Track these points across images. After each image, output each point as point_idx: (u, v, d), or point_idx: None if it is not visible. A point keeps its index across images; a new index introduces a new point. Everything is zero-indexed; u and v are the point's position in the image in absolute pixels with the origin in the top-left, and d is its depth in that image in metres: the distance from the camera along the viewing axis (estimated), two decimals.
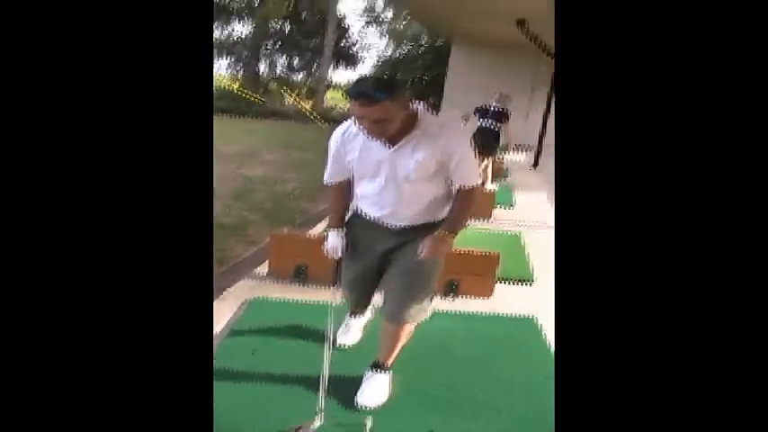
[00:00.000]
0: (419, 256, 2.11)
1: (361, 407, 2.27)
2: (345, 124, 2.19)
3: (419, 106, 2.08)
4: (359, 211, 2.33)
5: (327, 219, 2.53)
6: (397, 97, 1.91)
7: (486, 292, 3.60)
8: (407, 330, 2.32)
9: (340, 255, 2.32)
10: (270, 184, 7.77)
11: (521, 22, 10.07)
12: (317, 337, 2.81)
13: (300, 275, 3.66)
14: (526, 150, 11.06)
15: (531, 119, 12.99)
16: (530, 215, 6.44)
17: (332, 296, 2.42)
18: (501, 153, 7.30)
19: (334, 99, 25.45)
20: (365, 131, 2.00)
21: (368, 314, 2.84)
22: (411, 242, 2.20)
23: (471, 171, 2.14)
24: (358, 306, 2.63)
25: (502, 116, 7.18)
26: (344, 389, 2.35)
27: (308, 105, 20.07)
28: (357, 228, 2.34)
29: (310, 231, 5.08)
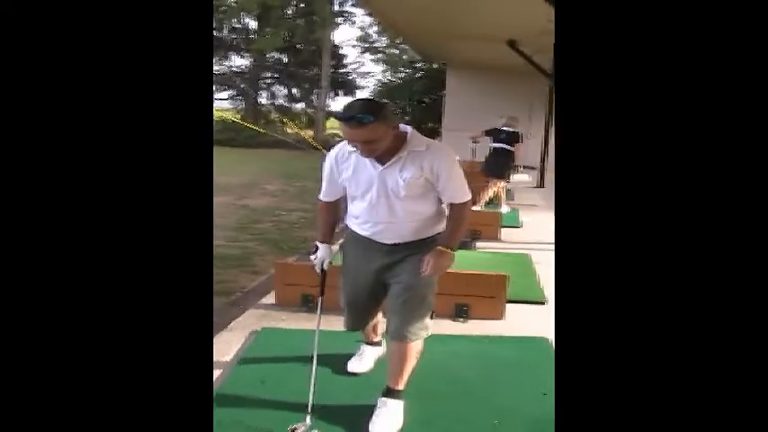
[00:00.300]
0: (423, 273, 2.18)
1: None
2: (339, 146, 2.29)
3: (408, 128, 2.20)
4: (352, 232, 2.39)
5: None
6: (383, 118, 2.03)
7: (498, 313, 3.55)
8: (413, 350, 2.33)
9: (326, 267, 2.45)
10: (273, 213, 7.76)
11: (511, 43, 10.20)
12: (328, 364, 2.76)
13: (308, 304, 3.62)
14: (530, 170, 11.07)
15: (532, 138, 13.02)
16: (537, 235, 6.40)
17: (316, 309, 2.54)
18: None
19: (333, 127, 25.62)
20: (358, 151, 2.11)
21: (383, 346, 2.80)
22: (403, 260, 2.28)
23: (458, 189, 2.24)
24: (356, 326, 2.60)
25: (513, 137, 7.28)
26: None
27: (308, 134, 20.19)
28: (350, 248, 2.41)
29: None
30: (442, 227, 2.32)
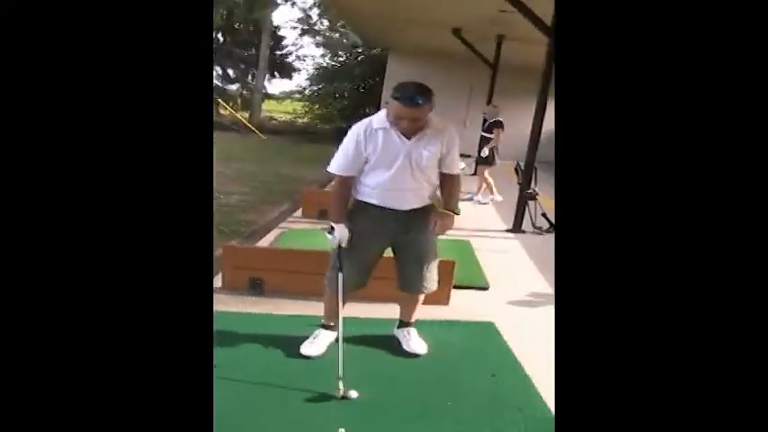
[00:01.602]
0: (434, 232, 2.64)
1: (414, 353, 2.82)
2: (365, 122, 2.57)
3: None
4: (362, 203, 2.65)
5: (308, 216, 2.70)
6: (430, 101, 2.44)
7: (444, 299, 3.62)
8: (422, 296, 2.85)
9: (344, 244, 2.60)
10: (213, 196, 7.61)
11: (456, 31, 10.32)
12: (279, 347, 2.79)
13: (256, 288, 3.59)
14: (465, 158, 11.24)
15: (469, 126, 13.23)
16: (475, 222, 6.54)
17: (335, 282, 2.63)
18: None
19: (270, 110, 25.24)
20: (401, 127, 2.47)
21: (336, 332, 2.83)
22: (415, 225, 2.65)
23: (456, 162, 2.69)
24: (358, 287, 2.76)
25: (492, 125, 7.75)
26: None
27: (243, 116, 19.82)
28: (362, 218, 2.65)
29: (259, 244, 5.01)
30: (436, 196, 2.71)
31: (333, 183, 2.72)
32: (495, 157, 7.73)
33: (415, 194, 2.62)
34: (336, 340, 2.72)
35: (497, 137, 7.64)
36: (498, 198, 7.85)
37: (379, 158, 2.54)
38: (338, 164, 2.59)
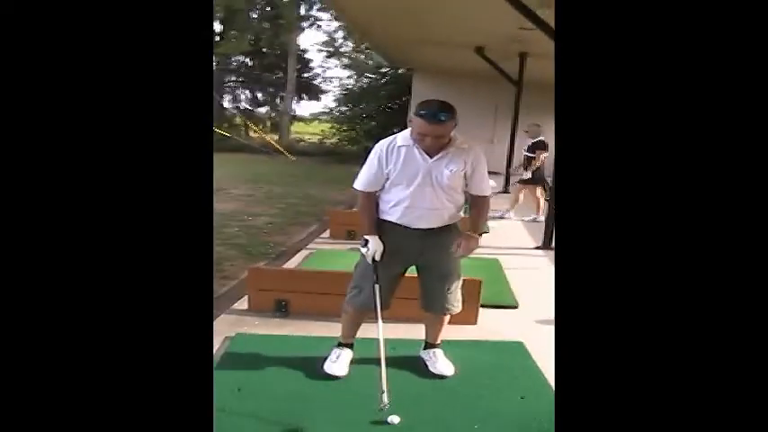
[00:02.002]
0: (458, 253, 2.59)
1: (441, 375, 2.76)
2: (388, 139, 2.60)
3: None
4: (385, 220, 2.65)
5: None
6: (454, 117, 2.44)
7: (472, 318, 3.57)
8: (447, 317, 2.81)
9: (377, 257, 2.59)
10: (240, 218, 7.67)
11: (479, 50, 10.33)
12: (304, 369, 2.76)
13: (282, 309, 3.58)
14: (495, 176, 11.16)
15: (497, 144, 13.17)
16: (505, 240, 6.46)
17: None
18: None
19: (298, 132, 25.50)
20: (424, 144, 2.46)
21: (352, 349, 2.87)
22: (438, 244, 2.63)
23: (485, 183, 2.65)
24: (384, 306, 2.69)
25: (535, 145, 7.65)
26: None
27: (273, 138, 20.04)
28: (382, 237, 2.63)
29: (286, 265, 5.01)
30: (458, 216, 2.69)
31: (359, 199, 2.71)
32: (542, 175, 7.64)
33: (435, 214, 2.60)
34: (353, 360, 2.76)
35: (538, 158, 7.54)
36: (541, 219, 7.70)
37: (399, 175, 2.55)
38: (361, 180, 2.63)
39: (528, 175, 7.62)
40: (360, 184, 2.63)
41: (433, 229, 2.61)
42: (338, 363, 2.78)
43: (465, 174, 2.56)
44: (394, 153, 2.54)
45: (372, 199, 2.66)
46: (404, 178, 2.54)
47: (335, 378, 2.71)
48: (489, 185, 2.69)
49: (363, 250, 2.61)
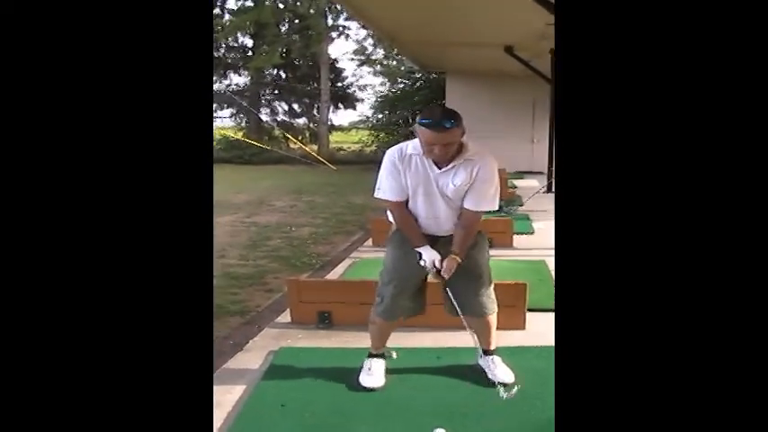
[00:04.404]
0: (443, 276, 2.49)
1: (500, 383, 2.56)
2: (398, 147, 2.53)
3: (464, 137, 2.43)
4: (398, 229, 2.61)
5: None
6: (460, 124, 2.33)
7: (519, 323, 3.48)
8: (493, 319, 2.73)
9: (438, 264, 2.50)
10: (284, 230, 7.72)
11: (509, 49, 10.21)
12: (347, 382, 2.72)
13: (325, 321, 3.55)
14: (538, 176, 11.01)
15: (537, 143, 12.98)
16: (550, 241, 6.29)
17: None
18: None
19: (338, 141, 25.64)
20: (433, 155, 2.37)
21: (384, 359, 2.82)
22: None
23: (483, 198, 2.49)
24: (414, 313, 2.72)
25: None
26: None
27: (312, 149, 20.18)
28: (404, 243, 2.59)
29: (329, 276, 4.99)
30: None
31: (390, 211, 2.63)
32: None
33: (451, 222, 2.56)
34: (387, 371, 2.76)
35: None
36: None
37: (412, 184, 2.49)
38: (387, 189, 2.53)
39: None
40: (387, 193, 2.54)
41: (448, 236, 2.56)
42: (372, 374, 2.72)
43: (469, 184, 2.47)
44: (405, 161, 2.47)
45: (405, 207, 2.56)
46: (417, 188, 2.49)
47: (372, 390, 2.66)
48: (490, 202, 2.52)
49: (421, 263, 2.52)
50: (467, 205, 2.50)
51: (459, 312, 2.55)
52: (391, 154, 2.51)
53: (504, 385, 2.57)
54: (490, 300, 2.70)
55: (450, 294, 2.55)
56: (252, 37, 23.06)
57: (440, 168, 2.44)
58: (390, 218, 2.66)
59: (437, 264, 2.49)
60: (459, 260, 2.49)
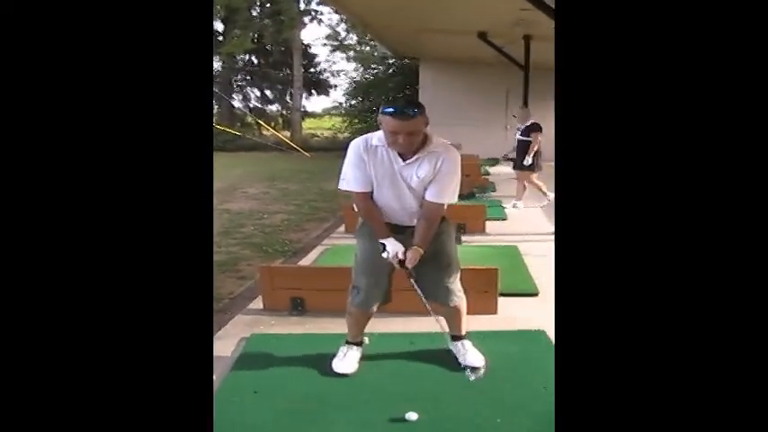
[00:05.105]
0: (407, 268, 2.48)
1: (470, 367, 2.61)
2: (363, 138, 2.53)
3: (428, 130, 2.43)
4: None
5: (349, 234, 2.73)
6: (423, 113, 2.34)
7: (491, 308, 3.50)
8: (462, 306, 2.76)
9: (402, 256, 2.49)
10: (256, 217, 7.65)
11: (482, 35, 10.22)
12: (321, 368, 2.72)
13: (297, 308, 3.54)
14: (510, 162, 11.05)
15: (510, 131, 13.05)
16: (522, 227, 6.38)
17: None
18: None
19: (311, 128, 25.48)
20: (397, 145, 2.36)
21: (361, 347, 2.84)
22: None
23: (445, 190, 2.49)
24: (381, 303, 2.71)
25: (529, 128, 7.42)
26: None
27: (285, 135, 20.02)
28: (370, 234, 2.58)
29: (302, 262, 4.97)
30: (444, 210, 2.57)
31: (355, 203, 2.62)
32: (539, 161, 7.45)
33: (410, 214, 2.56)
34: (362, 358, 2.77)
35: (536, 140, 7.30)
36: (551, 195, 7.56)
37: (377, 175, 2.49)
38: (351, 179, 2.52)
39: (529, 160, 7.31)
40: (352, 184, 2.52)
41: (412, 226, 2.55)
42: (345, 361, 2.73)
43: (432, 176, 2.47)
44: (370, 152, 2.46)
45: (369, 199, 2.55)
46: (382, 179, 2.49)
47: (344, 376, 2.66)
48: (451, 195, 2.52)
49: (384, 255, 2.50)
50: (428, 197, 2.49)
51: (424, 300, 2.55)
52: (356, 145, 2.50)
53: (473, 369, 2.60)
54: (457, 288, 2.72)
55: (415, 285, 2.54)
56: (223, 21, 22.66)
57: (404, 161, 2.44)
58: (357, 208, 2.65)
59: (400, 255, 2.48)
60: (422, 251, 2.48)
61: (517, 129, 7.64)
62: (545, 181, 7.48)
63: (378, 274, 2.62)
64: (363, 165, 2.47)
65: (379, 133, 2.44)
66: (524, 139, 7.40)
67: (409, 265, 2.48)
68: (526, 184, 7.67)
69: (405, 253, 2.48)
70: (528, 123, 7.44)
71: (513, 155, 7.82)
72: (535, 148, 7.28)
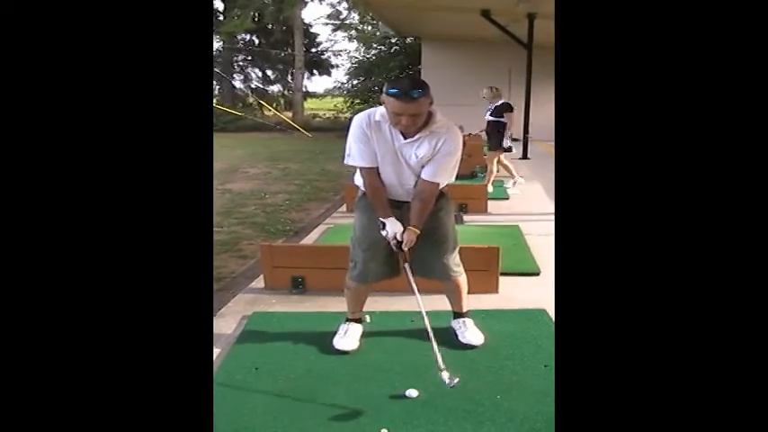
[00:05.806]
0: (403, 250, 2.48)
1: (469, 345, 2.71)
2: (366, 113, 2.48)
3: (433, 108, 2.40)
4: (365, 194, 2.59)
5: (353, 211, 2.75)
6: (428, 95, 2.29)
7: (492, 287, 3.50)
8: (462, 281, 2.76)
9: (400, 237, 2.46)
10: (258, 197, 7.65)
11: (485, 13, 10.10)
12: (321, 346, 2.73)
13: (298, 286, 3.54)
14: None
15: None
16: (524, 206, 6.36)
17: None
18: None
19: (312, 108, 25.38)
20: (400, 125, 2.33)
21: (361, 324, 2.84)
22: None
23: (442, 171, 2.46)
24: (387, 276, 2.69)
25: (501, 108, 7.20)
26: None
27: (287, 116, 19.95)
28: (366, 207, 2.59)
29: (303, 242, 4.97)
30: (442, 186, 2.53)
31: (361, 177, 2.57)
32: (508, 141, 7.25)
33: (409, 190, 2.53)
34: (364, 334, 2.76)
35: (510, 121, 7.13)
36: (521, 180, 7.51)
37: (380, 150, 2.46)
38: (356, 154, 2.48)
39: (508, 142, 7.14)
40: (357, 159, 2.48)
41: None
42: (346, 338, 2.74)
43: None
44: (373, 127, 2.43)
45: (376, 176, 2.51)
46: (383, 155, 2.46)
47: (346, 353, 2.67)
48: (448, 175, 2.50)
49: (383, 233, 2.48)
50: (424, 176, 2.46)
51: (410, 276, 2.51)
52: (359, 120, 2.46)
53: (450, 376, 2.26)
54: (455, 263, 2.70)
55: (408, 269, 2.52)
56: (222, 0, 22.47)
57: (405, 138, 2.41)
58: (357, 181, 2.63)
59: (399, 236, 2.45)
60: (418, 231, 2.46)
61: (487, 109, 7.35)
62: (544, 160, 7.39)
63: (375, 247, 2.59)
64: (367, 140, 2.44)
65: (382, 109, 2.40)
66: (496, 119, 7.18)
67: (405, 247, 2.46)
68: (509, 164, 7.53)
69: (402, 234, 2.46)
70: (498, 103, 7.17)
71: (482, 135, 7.67)
72: (512, 129, 7.16)
